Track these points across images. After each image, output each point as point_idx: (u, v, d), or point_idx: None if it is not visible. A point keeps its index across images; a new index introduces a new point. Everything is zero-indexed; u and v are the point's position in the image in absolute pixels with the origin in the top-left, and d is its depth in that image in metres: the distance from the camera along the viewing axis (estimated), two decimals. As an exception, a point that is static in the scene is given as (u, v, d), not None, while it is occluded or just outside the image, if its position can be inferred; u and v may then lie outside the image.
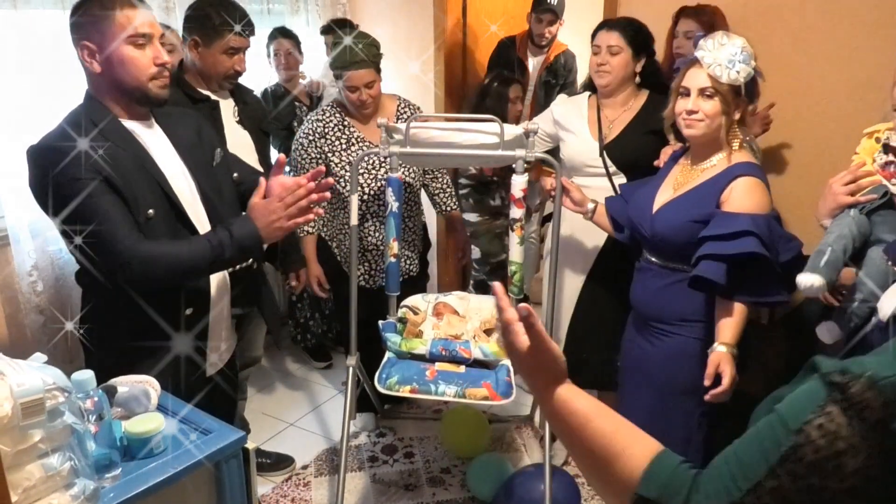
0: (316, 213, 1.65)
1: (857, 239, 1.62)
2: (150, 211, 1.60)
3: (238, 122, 2.36)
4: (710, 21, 2.72)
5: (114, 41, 1.56)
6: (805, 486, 0.70)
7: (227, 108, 2.33)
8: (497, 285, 0.96)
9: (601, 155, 2.40)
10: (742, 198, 1.76)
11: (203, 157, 1.80)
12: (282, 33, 3.30)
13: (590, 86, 2.53)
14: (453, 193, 2.87)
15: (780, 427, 0.73)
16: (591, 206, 2.23)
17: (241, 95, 2.40)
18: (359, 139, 2.58)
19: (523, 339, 0.92)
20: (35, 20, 2.49)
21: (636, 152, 2.35)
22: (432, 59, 3.60)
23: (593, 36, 2.40)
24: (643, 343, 2.03)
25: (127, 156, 1.59)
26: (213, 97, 2.28)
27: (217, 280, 1.80)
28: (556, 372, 0.92)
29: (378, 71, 2.49)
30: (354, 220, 2.37)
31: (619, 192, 2.39)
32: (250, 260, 1.76)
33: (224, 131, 2.29)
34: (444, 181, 2.84)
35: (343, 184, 2.59)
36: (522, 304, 0.90)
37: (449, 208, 2.86)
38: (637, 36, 2.34)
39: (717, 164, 1.86)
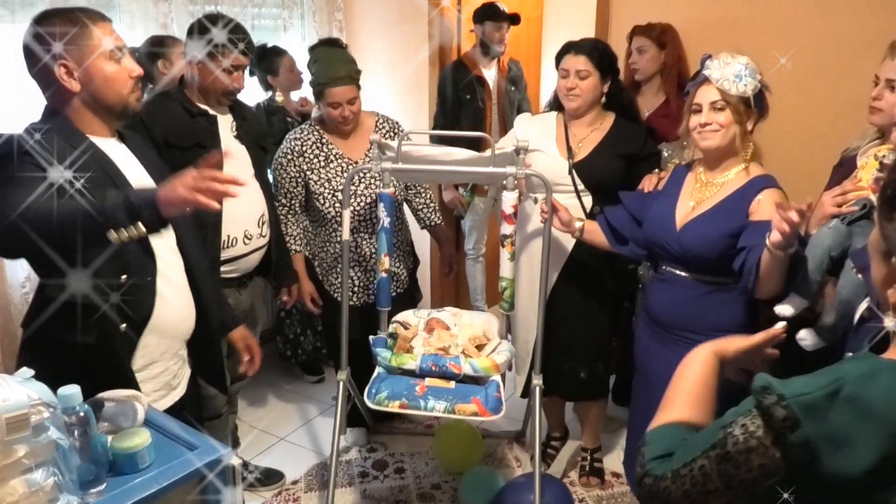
0: (213, 205, 1.44)
1: (833, 249, 1.69)
2: None
3: (236, 137, 2.38)
4: (659, 36, 2.80)
5: (93, 57, 1.54)
6: (722, 470, 0.89)
7: (226, 123, 2.35)
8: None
9: (570, 173, 2.42)
10: (772, 208, 1.80)
11: (166, 175, 1.76)
12: (278, 52, 3.33)
13: (554, 104, 2.54)
14: (437, 208, 2.88)
15: (718, 424, 0.93)
16: (578, 224, 2.25)
17: (239, 111, 2.41)
18: (337, 156, 2.60)
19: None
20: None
21: (604, 175, 2.39)
22: (427, 75, 3.62)
23: (558, 59, 2.41)
24: (664, 351, 2.04)
25: (93, 167, 1.55)
26: (212, 112, 2.30)
27: (167, 320, 1.73)
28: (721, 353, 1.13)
29: (358, 87, 2.53)
30: (346, 235, 2.38)
31: (586, 209, 2.41)
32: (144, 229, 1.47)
33: (221, 146, 2.30)
34: (428, 196, 2.85)
35: (322, 201, 2.61)
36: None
37: (433, 222, 2.88)
38: (603, 59, 2.38)
39: (735, 177, 1.94)
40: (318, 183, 2.60)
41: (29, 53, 1.57)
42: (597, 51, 2.38)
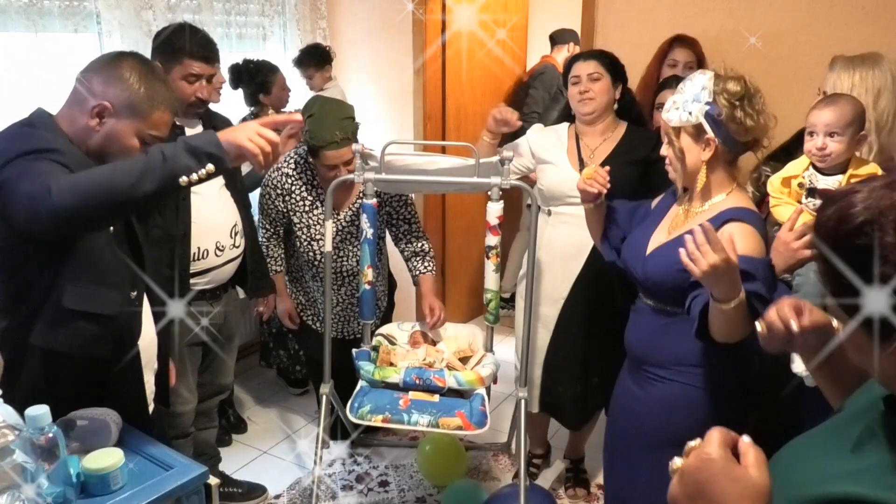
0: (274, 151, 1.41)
1: (825, 294, 1.60)
2: None
3: None
4: (700, 51, 2.76)
5: (132, 127, 1.51)
6: None
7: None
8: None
9: None
10: (729, 243, 1.55)
11: None
12: (273, 70, 3.28)
13: (566, 116, 2.52)
14: (429, 255, 2.72)
15: None
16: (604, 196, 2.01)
17: (210, 121, 2.33)
18: (324, 202, 2.50)
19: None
20: (9, 44, 2.46)
21: (615, 183, 2.16)
22: (411, 84, 3.61)
23: (567, 70, 2.40)
24: (634, 388, 1.87)
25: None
26: (178, 122, 2.22)
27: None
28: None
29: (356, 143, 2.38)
30: (328, 247, 2.35)
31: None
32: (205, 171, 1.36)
33: None
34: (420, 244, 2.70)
35: (298, 244, 2.57)
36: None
37: (421, 271, 2.73)
38: (613, 63, 2.37)
39: (708, 209, 1.71)
40: (298, 227, 2.55)
41: (88, 75, 1.52)
42: (605, 56, 2.38)
